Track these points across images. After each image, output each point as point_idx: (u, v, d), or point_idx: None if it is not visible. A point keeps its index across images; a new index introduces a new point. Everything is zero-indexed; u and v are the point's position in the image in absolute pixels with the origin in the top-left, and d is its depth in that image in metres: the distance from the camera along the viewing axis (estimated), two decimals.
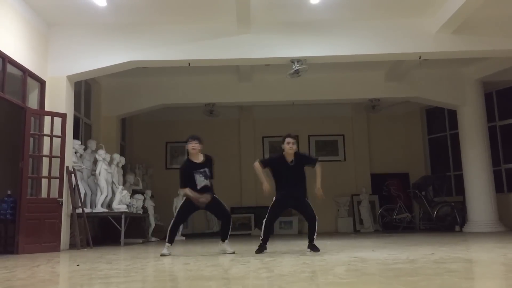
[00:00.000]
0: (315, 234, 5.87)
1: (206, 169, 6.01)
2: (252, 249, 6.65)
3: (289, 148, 5.94)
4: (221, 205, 6.12)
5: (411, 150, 14.13)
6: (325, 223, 11.13)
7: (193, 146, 6.02)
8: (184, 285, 3.44)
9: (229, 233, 6.15)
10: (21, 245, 6.93)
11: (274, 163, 6.14)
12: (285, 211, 6.27)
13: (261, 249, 5.94)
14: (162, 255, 5.88)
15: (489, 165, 10.95)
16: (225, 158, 12.78)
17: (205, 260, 5.24)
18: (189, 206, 6.03)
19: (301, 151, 6.28)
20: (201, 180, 5.93)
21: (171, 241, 6.04)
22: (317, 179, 5.96)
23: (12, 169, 7.61)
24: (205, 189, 5.96)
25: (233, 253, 6.01)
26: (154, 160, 13.59)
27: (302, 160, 6.09)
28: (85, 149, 9.16)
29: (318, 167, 6.00)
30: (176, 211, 6.27)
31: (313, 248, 5.82)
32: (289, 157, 5.97)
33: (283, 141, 6.01)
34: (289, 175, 5.94)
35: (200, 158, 6.07)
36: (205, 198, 5.90)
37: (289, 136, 6.01)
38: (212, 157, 6.20)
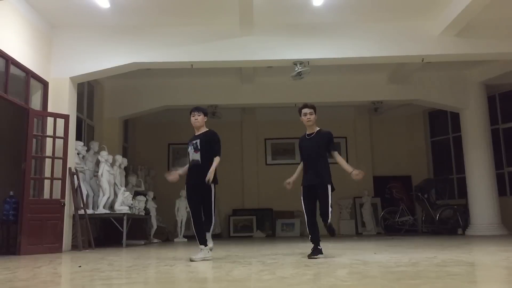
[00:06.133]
0: (330, 215, 5.21)
1: (198, 141, 5.44)
2: (254, 251, 6.65)
3: (306, 119, 5.52)
4: (209, 200, 5.37)
5: (413, 153, 14.11)
6: None
7: (195, 118, 5.56)
8: (185, 287, 3.44)
9: (209, 236, 5.39)
10: (23, 246, 6.94)
11: (300, 143, 5.69)
12: (313, 200, 5.47)
13: (316, 252, 5.23)
14: (194, 259, 5.21)
15: (492, 168, 10.92)
16: (227, 160, 12.77)
17: (207, 261, 5.23)
18: (190, 194, 5.48)
19: (328, 130, 5.62)
20: (191, 153, 5.45)
21: (203, 242, 5.34)
22: (343, 166, 5.38)
23: (15, 170, 7.63)
24: (195, 164, 5.38)
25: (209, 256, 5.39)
26: (156, 161, 13.61)
27: (323, 137, 5.49)
28: (87, 151, 9.18)
29: (336, 156, 5.43)
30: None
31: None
32: (309, 130, 5.58)
33: (300, 114, 5.57)
34: (308, 150, 5.49)
35: (201, 131, 5.58)
36: (170, 176, 5.49)
37: (305, 106, 5.56)
38: (213, 133, 5.54)
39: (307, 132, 5.61)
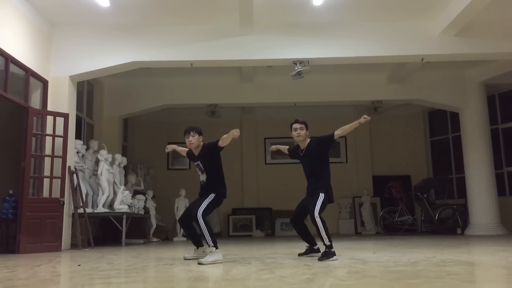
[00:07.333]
0: (323, 237, 5.02)
1: (199, 163, 5.33)
2: (253, 250, 6.66)
3: (296, 135, 5.42)
4: (202, 199, 5.21)
5: (413, 153, 14.12)
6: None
7: (190, 140, 5.35)
8: (184, 286, 3.44)
9: (210, 238, 4.98)
10: (22, 245, 6.94)
11: (293, 152, 5.69)
12: (304, 210, 5.40)
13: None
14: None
15: (491, 168, 10.92)
16: (227, 159, 12.75)
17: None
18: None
19: (316, 136, 5.46)
20: (199, 174, 5.39)
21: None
22: (350, 129, 5.30)
23: (14, 169, 7.62)
24: (203, 185, 5.35)
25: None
26: (155, 160, 13.60)
27: (315, 145, 5.36)
28: (87, 149, 9.17)
29: (339, 134, 5.29)
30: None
31: (323, 255, 5.01)
32: (302, 146, 5.50)
33: (291, 129, 5.49)
34: (303, 167, 5.47)
35: (198, 150, 5.41)
36: (170, 149, 5.53)
37: (296, 121, 5.46)
38: (205, 148, 5.35)
39: (301, 147, 5.56)
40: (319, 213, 5.08)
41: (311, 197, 5.26)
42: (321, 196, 5.18)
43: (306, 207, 5.31)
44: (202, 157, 5.32)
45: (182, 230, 11.45)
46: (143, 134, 13.86)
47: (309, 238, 5.54)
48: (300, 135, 5.42)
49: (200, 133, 5.40)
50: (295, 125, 5.46)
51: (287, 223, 13.09)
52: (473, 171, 10.97)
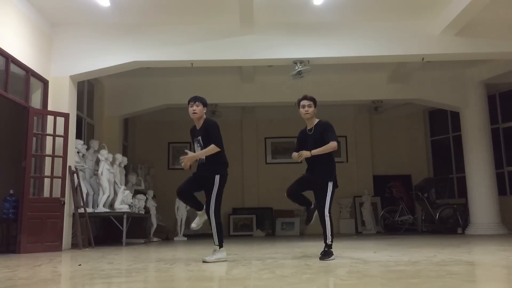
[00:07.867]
0: (327, 236, 4.98)
1: (200, 137, 5.06)
2: (254, 250, 6.65)
3: (304, 112, 5.21)
4: (209, 192, 4.98)
5: (413, 152, 14.12)
6: None
7: (193, 110, 5.08)
8: (185, 286, 3.44)
9: (217, 237, 5.00)
10: (23, 245, 6.95)
11: (300, 140, 5.37)
12: (304, 187, 5.23)
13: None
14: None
15: (491, 168, 10.92)
16: (227, 159, 12.78)
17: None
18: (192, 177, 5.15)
19: (326, 121, 5.31)
20: (197, 151, 5.11)
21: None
22: (320, 148, 5.05)
23: (15, 169, 7.63)
24: (201, 163, 5.07)
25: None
26: (156, 160, 13.62)
27: (322, 130, 5.18)
28: (87, 149, 9.18)
29: (324, 148, 5.07)
30: None
31: (323, 255, 4.96)
32: (309, 124, 5.30)
33: (298, 106, 5.26)
34: (308, 148, 5.12)
35: (200, 123, 5.15)
36: (185, 160, 4.95)
37: (304, 98, 5.24)
38: (209, 122, 5.11)
39: (308, 127, 5.37)
40: (329, 210, 5.00)
41: (319, 189, 5.06)
42: (330, 187, 5.04)
43: (306, 186, 5.17)
44: (204, 132, 5.07)
45: (182, 229, 11.48)
46: (143, 134, 13.87)
47: (305, 201, 5.34)
48: (308, 112, 5.24)
49: (204, 104, 5.16)
50: (304, 102, 5.26)
51: (288, 222, 13.11)
52: (473, 170, 10.97)
